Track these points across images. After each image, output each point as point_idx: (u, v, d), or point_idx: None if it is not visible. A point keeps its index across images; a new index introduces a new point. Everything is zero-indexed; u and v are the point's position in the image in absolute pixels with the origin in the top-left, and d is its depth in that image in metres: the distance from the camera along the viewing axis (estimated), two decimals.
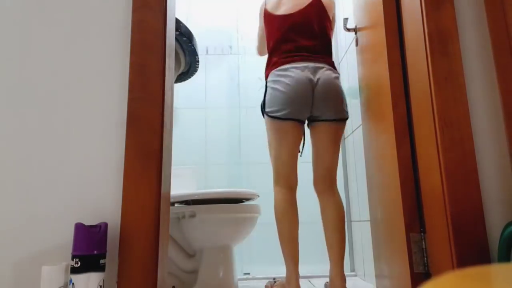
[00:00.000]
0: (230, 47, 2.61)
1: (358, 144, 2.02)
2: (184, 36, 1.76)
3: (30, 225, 0.97)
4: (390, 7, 1.30)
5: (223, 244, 1.68)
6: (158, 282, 0.95)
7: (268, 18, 1.69)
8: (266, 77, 1.64)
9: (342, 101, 1.55)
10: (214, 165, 2.44)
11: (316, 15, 1.63)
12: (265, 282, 1.74)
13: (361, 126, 1.76)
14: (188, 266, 1.69)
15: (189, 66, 1.98)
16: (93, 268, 0.85)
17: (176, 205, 1.70)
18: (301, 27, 1.60)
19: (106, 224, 0.91)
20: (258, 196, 1.77)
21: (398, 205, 1.20)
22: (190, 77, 2.11)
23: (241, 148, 2.48)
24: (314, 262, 2.09)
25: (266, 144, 1.62)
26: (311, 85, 1.51)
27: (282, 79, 1.53)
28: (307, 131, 1.62)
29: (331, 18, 1.69)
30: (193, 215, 1.59)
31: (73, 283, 0.84)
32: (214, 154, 2.46)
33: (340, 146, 1.59)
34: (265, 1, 1.76)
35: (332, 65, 1.60)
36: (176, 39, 1.71)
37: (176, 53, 1.77)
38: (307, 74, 1.51)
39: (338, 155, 1.58)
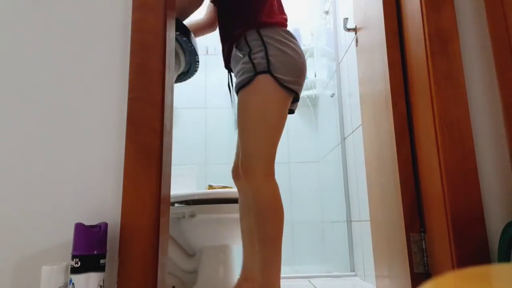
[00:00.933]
0: None
1: (358, 144, 2.02)
2: (184, 36, 1.75)
3: (30, 225, 0.97)
4: (390, 7, 1.30)
5: (223, 244, 1.68)
6: (158, 282, 0.95)
7: None
8: (259, 23, 1.26)
9: None
10: (214, 165, 2.44)
11: None
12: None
13: (361, 126, 1.76)
14: (188, 266, 1.69)
15: (189, 66, 1.98)
16: (93, 268, 0.85)
17: (176, 205, 1.70)
18: None
19: (106, 224, 0.91)
20: None
21: (398, 205, 1.20)
22: (190, 77, 2.10)
23: None
24: (314, 262, 2.09)
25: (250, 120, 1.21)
26: None
27: (290, 43, 1.24)
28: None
29: None
30: (193, 215, 1.59)
31: (73, 283, 0.83)
32: (214, 154, 2.46)
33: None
34: None
35: None
36: (176, 39, 1.71)
37: (176, 53, 1.77)
38: None
39: None
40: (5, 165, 1.00)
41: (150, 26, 1.07)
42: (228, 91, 1.52)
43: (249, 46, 1.25)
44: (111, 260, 0.94)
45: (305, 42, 2.89)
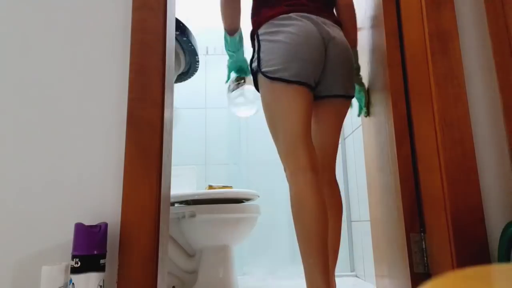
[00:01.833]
0: None
1: (358, 144, 2.02)
2: (184, 36, 1.76)
3: (30, 225, 0.97)
4: (390, 7, 1.30)
5: (223, 244, 1.68)
6: (158, 282, 0.95)
7: None
8: (254, 35, 1.24)
9: (353, 74, 1.28)
10: (214, 165, 2.44)
11: None
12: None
13: (361, 126, 1.76)
14: (188, 266, 1.69)
15: (189, 66, 1.98)
16: (93, 268, 0.85)
17: (176, 205, 1.70)
18: None
19: (106, 224, 0.91)
20: (258, 196, 1.77)
21: (398, 205, 1.20)
22: (190, 77, 2.11)
23: (241, 148, 2.47)
24: None
25: (267, 128, 1.19)
26: (324, 42, 1.16)
27: (285, 28, 1.14)
28: None
29: None
30: (193, 215, 1.59)
31: (73, 283, 0.83)
32: (214, 154, 2.46)
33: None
34: None
35: (342, 27, 1.28)
36: (176, 39, 1.71)
37: (176, 53, 1.77)
38: (320, 27, 1.16)
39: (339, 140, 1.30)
40: (5, 165, 1.00)
41: (150, 26, 1.07)
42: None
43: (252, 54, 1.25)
44: (111, 260, 0.94)
45: None
